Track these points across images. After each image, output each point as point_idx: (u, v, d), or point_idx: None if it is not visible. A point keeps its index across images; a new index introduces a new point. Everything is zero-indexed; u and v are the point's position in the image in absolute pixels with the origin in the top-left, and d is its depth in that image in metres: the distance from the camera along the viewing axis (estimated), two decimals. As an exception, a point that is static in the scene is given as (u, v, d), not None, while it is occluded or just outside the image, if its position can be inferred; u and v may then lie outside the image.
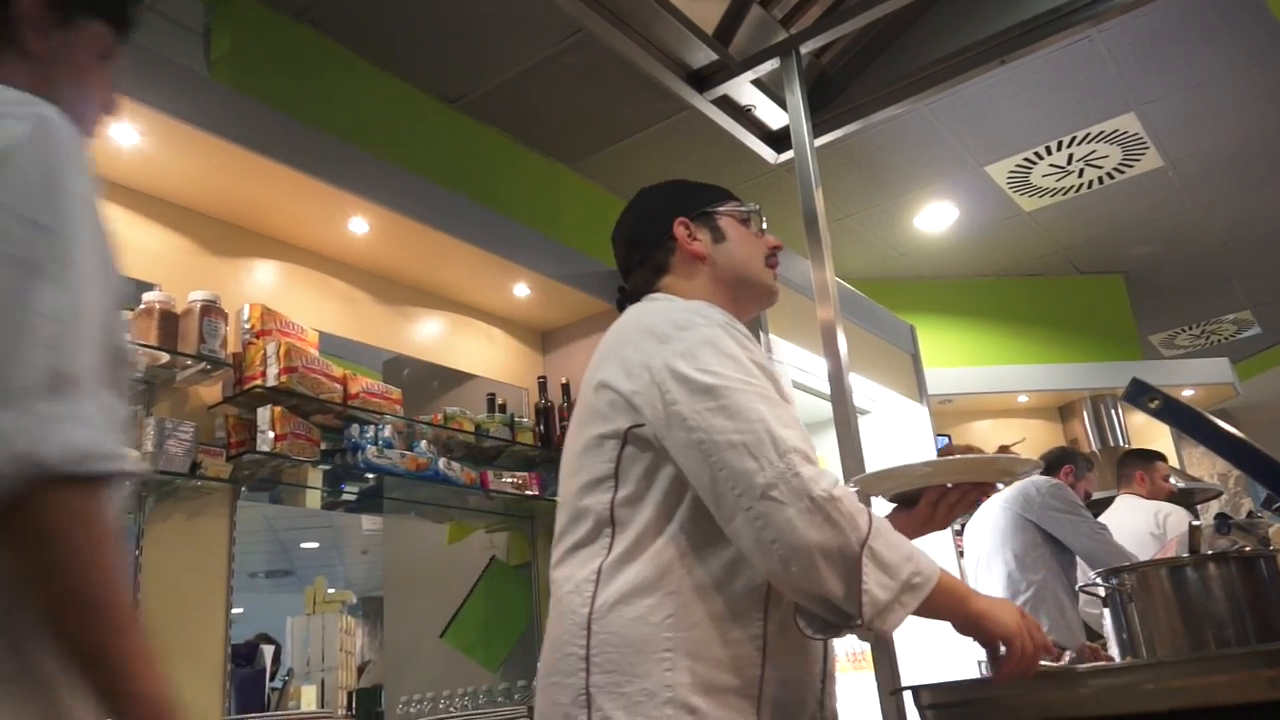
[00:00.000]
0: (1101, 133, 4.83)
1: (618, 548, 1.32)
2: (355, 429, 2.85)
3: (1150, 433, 6.02)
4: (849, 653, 3.84)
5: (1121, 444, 6.01)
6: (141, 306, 2.52)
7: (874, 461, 2.50)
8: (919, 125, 4.63)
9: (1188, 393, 6.28)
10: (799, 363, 3.63)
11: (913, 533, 1.52)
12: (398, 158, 3.30)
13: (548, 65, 3.89)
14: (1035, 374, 6.00)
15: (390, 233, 3.07)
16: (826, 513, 1.19)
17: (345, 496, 3.13)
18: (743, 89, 2.98)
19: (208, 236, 2.85)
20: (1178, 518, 4.17)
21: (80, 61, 1.16)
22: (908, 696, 1.57)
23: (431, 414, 3.18)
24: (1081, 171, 5.19)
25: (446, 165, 3.92)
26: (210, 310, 2.58)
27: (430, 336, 3.46)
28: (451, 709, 2.96)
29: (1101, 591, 1.75)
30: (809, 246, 2.64)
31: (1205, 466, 7.81)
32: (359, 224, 3.00)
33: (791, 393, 1.46)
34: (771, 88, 3.04)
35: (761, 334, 3.40)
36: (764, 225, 1.62)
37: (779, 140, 3.24)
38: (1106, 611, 1.76)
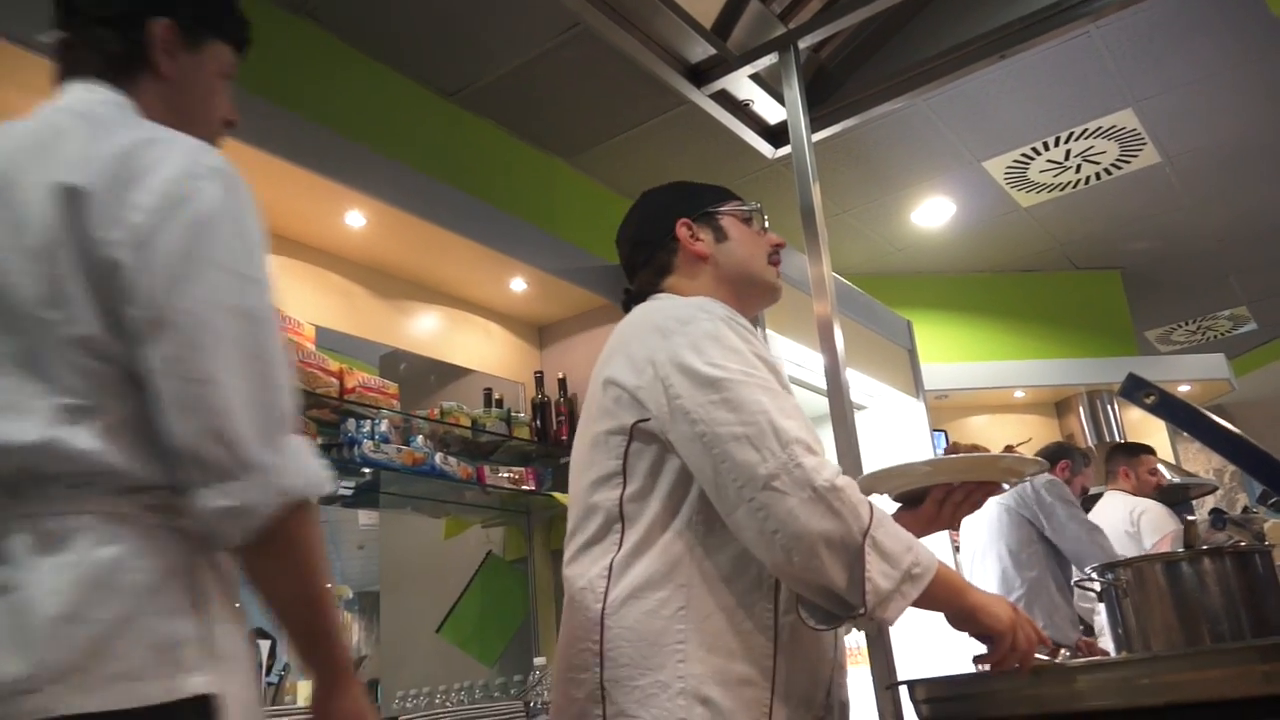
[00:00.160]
0: (1099, 128, 4.83)
1: (628, 543, 1.33)
2: (351, 424, 2.85)
3: (1146, 428, 6.03)
4: (845, 647, 3.84)
5: (1118, 439, 6.01)
6: (138, 300, 2.51)
7: (870, 457, 2.50)
8: (917, 120, 4.62)
9: (1184, 388, 6.29)
10: (795, 358, 3.63)
11: (918, 532, 1.53)
12: (395, 151, 3.29)
13: (545, 59, 3.88)
14: (1032, 369, 6.00)
15: (387, 227, 3.06)
16: (829, 503, 1.20)
17: (341, 491, 3.12)
18: (741, 84, 2.98)
19: (204, 230, 2.84)
20: (1152, 515, 4.10)
21: (205, 80, 1.25)
22: (903, 691, 1.57)
23: (428, 409, 3.18)
24: (1079, 167, 5.19)
25: (443, 159, 3.91)
26: (206, 304, 2.56)
27: (427, 331, 3.46)
28: (447, 704, 2.97)
29: (1097, 587, 1.75)
30: (806, 242, 2.64)
31: (1201, 462, 7.83)
32: (355, 218, 2.99)
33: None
34: (769, 83, 3.04)
35: (758, 329, 3.39)
36: (766, 224, 1.64)
37: (777, 135, 3.24)
38: (1100, 606, 1.76)
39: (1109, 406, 6.15)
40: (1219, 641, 1.54)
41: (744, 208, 1.63)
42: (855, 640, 3.32)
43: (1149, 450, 4.50)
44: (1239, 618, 1.56)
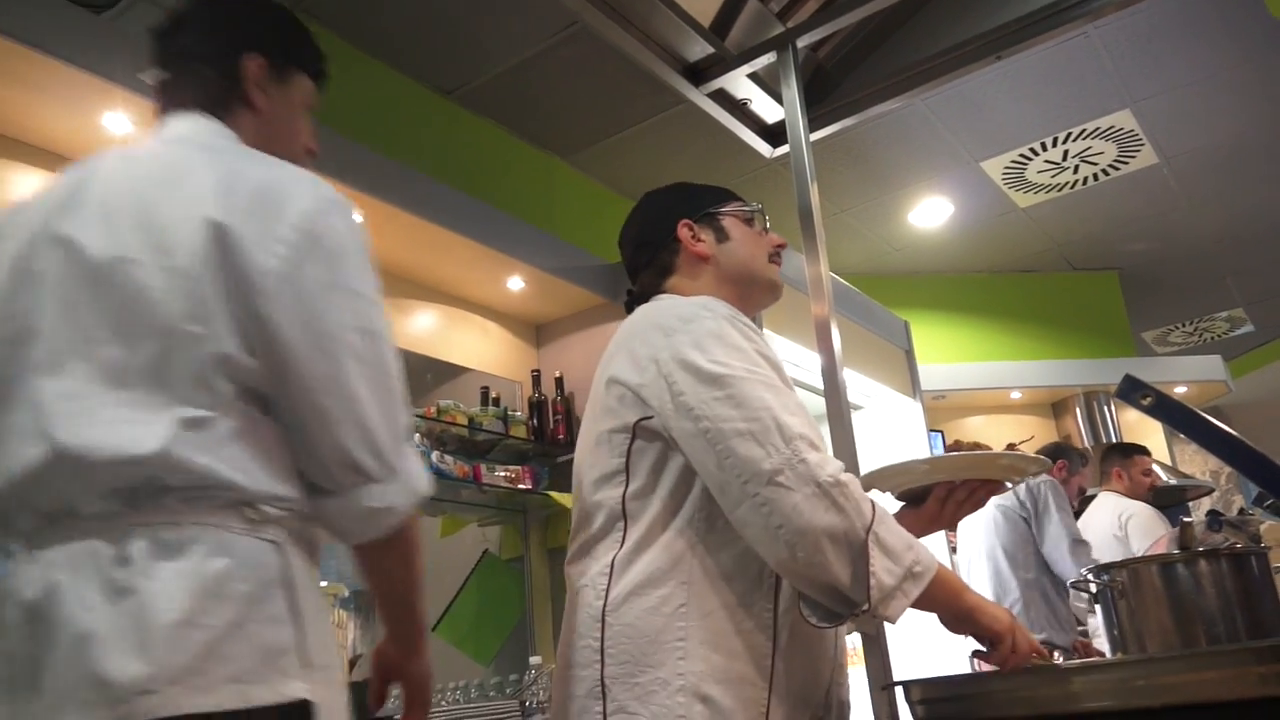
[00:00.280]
0: (1097, 129, 4.83)
1: (630, 540, 1.33)
2: (348, 421, 2.83)
3: (1143, 429, 6.03)
4: (846, 648, 3.85)
5: (1114, 441, 6.02)
6: (134, 297, 2.50)
7: (867, 457, 2.50)
8: (915, 121, 4.63)
9: (1180, 390, 6.29)
10: (792, 358, 3.62)
11: (920, 530, 1.53)
12: (392, 150, 3.29)
13: (543, 58, 3.87)
14: (1029, 370, 6.01)
15: (384, 225, 3.06)
16: (833, 498, 1.21)
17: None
18: (739, 83, 2.98)
19: (201, 227, 2.84)
20: (1140, 519, 4.08)
21: (291, 112, 1.39)
22: (899, 692, 1.57)
23: (424, 407, 3.17)
24: (1076, 168, 5.19)
25: (441, 157, 3.91)
26: (203, 301, 2.56)
27: (424, 329, 3.46)
28: (443, 702, 2.96)
29: (1093, 588, 1.76)
30: (804, 241, 2.64)
31: (1197, 463, 7.84)
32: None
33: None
34: (768, 82, 3.03)
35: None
36: (767, 224, 1.65)
37: (775, 135, 3.23)
38: (1097, 608, 1.76)
39: (1106, 408, 6.15)
40: (1215, 643, 1.54)
41: (745, 208, 1.64)
42: (852, 641, 3.32)
43: (1143, 451, 4.48)
44: (1235, 619, 1.56)
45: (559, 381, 3.60)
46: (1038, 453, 4.12)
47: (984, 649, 1.35)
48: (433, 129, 3.99)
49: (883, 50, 3.92)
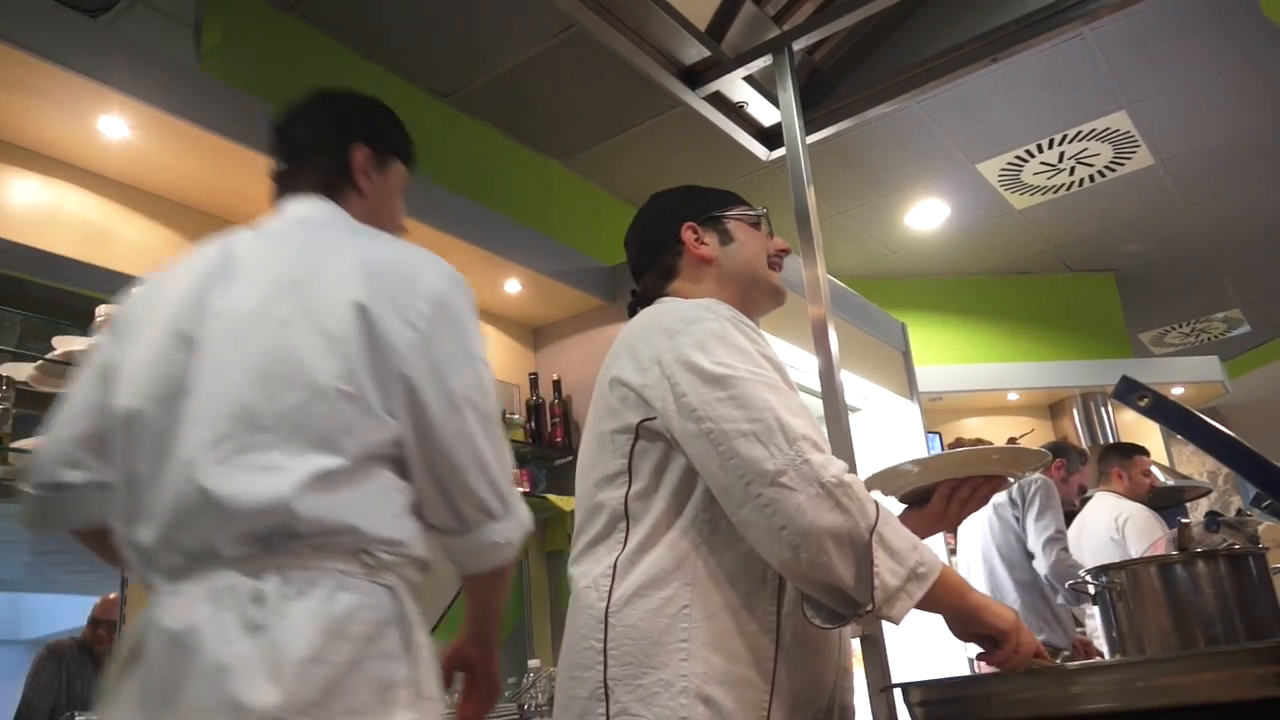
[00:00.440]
0: (1093, 131, 4.84)
1: (632, 541, 1.33)
2: (346, 425, 2.83)
3: (1140, 430, 6.04)
4: (850, 651, 3.84)
5: (1111, 442, 6.02)
6: (131, 301, 2.51)
7: (865, 459, 2.50)
8: (911, 123, 4.63)
9: (1177, 390, 6.30)
10: (790, 360, 3.62)
11: (925, 531, 1.53)
12: (389, 153, 3.29)
13: (540, 61, 3.88)
14: (1026, 372, 6.01)
15: (381, 228, 3.06)
16: (837, 498, 1.20)
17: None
18: (735, 86, 2.98)
19: (198, 230, 2.84)
20: (1137, 522, 4.04)
21: (391, 194, 1.57)
22: (897, 694, 1.57)
23: (422, 410, 3.17)
24: (1073, 169, 5.20)
25: (438, 160, 3.91)
26: (200, 305, 2.56)
27: (421, 332, 3.45)
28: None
29: (1091, 589, 1.75)
30: (800, 244, 2.64)
31: (1195, 464, 7.85)
32: (350, 219, 2.99)
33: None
34: (764, 84, 3.03)
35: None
36: (772, 229, 1.65)
37: (771, 137, 3.23)
38: (1096, 610, 1.76)
39: (1103, 409, 6.16)
40: (1213, 644, 1.54)
41: (750, 212, 1.64)
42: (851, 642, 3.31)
43: (1142, 451, 4.44)
44: (1233, 621, 1.56)
45: (556, 384, 3.60)
46: (1010, 441, 4.11)
47: (986, 649, 1.35)
48: (430, 132, 3.99)
49: (879, 53, 3.92)
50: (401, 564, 1.26)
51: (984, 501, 1.56)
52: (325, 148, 1.51)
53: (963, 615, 1.31)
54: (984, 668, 4.03)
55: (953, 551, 4.35)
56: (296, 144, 1.53)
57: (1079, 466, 4.29)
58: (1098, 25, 3.66)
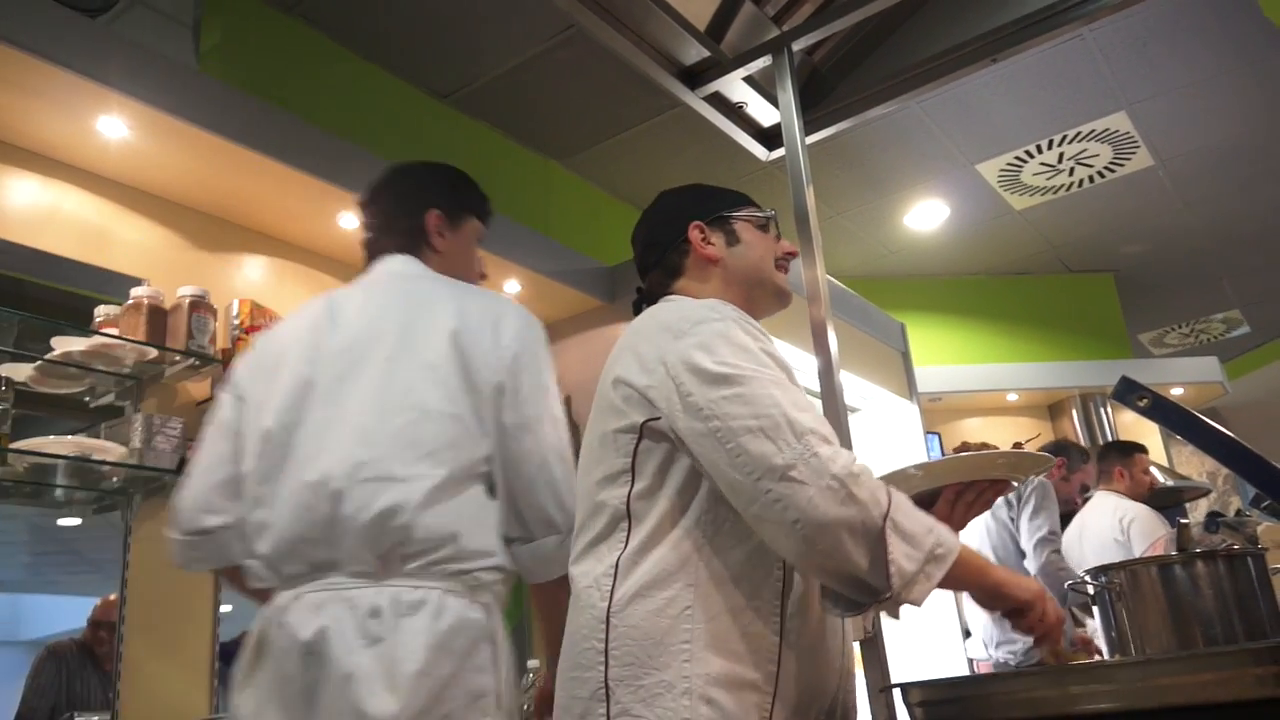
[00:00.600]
0: (1092, 131, 4.84)
1: (634, 541, 1.32)
2: (345, 425, 2.84)
3: (1139, 431, 6.03)
4: (853, 653, 3.84)
5: (1111, 440, 6.02)
6: (130, 301, 2.50)
7: (864, 459, 2.50)
8: (910, 123, 4.63)
9: (1177, 391, 6.30)
10: (790, 360, 3.61)
11: None
12: (389, 152, 3.28)
13: (540, 61, 3.88)
14: (1025, 372, 6.01)
15: (380, 228, 3.06)
16: (848, 489, 1.20)
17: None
18: (734, 86, 2.98)
19: (197, 231, 2.84)
20: (1141, 523, 4.00)
21: (465, 248, 1.79)
22: (897, 694, 1.57)
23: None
24: (1072, 170, 5.20)
25: (437, 160, 3.90)
26: (199, 305, 2.57)
27: (420, 333, 3.45)
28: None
29: (1090, 590, 1.75)
30: (800, 244, 2.64)
31: (1194, 465, 7.85)
32: (349, 219, 2.99)
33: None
34: (763, 85, 3.04)
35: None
36: (779, 232, 1.65)
37: (770, 137, 3.23)
38: (1096, 610, 1.76)
39: (1102, 409, 6.16)
40: (1212, 645, 1.54)
41: (759, 214, 1.64)
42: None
43: (1142, 449, 4.39)
44: (1232, 621, 1.56)
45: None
46: (1015, 445, 4.11)
47: (1015, 623, 1.35)
48: (429, 132, 3.99)
49: (878, 53, 3.92)
50: (495, 581, 1.47)
51: (988, 505, 1.56)
52: (402, 214, 1.75)
53: (987, 591, 1.31)
54: (982, 668, 4.04)
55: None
56: (379, 213, 1.78)
57: (1080, 465, 4.27)
58: (1097, 26, 3.65)
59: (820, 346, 2.54)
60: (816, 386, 2.62)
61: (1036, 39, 2.77)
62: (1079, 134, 4.86)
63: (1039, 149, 4.97)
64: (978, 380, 5.89)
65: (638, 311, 1.59)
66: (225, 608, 2.61)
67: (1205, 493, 5.53)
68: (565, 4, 2.57)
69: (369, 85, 3.80)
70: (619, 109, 4.23)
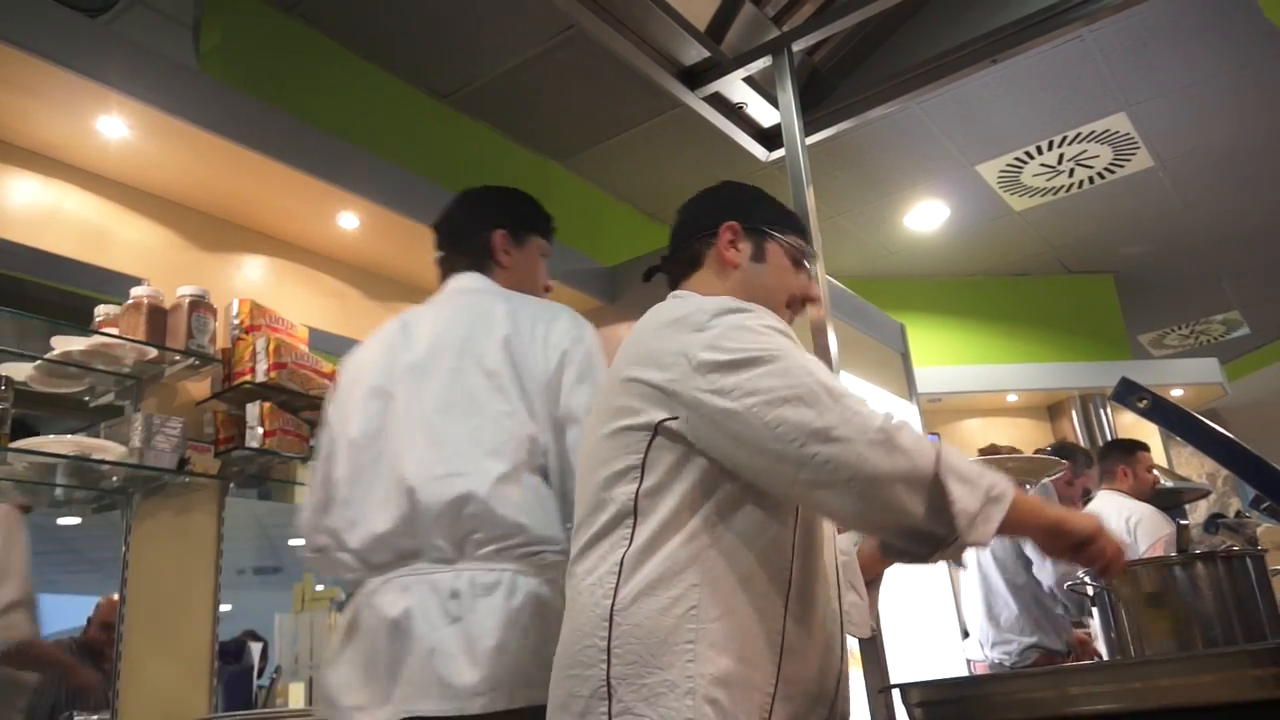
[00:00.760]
0: (1092, 132, 4.84)
1: (639, 539, 1.31)
2: (344, 425, 2.84)
3: (1139, 432, 6.02)
4: (849, 654, 3.84)
5: (1112, 439, 6.01)
6: (129, 301, 2.50)
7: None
8: (910, 124, 4.63)
9: (1176, 392, 6.30)
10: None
11: None
12: (388, 153, 3.29)
13: (539, 61, 3.88)
14: (1025, 373, 6.01)
15: (380, 228, 3.06)
16: (895, 441, 1.20)
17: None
18: (734, 86, 2.98)
19: (196, 231, 2.84)
20: (1148, 523, 3.95)
21: (530, 263, 1.92)
22: (896, 695, 1.57)
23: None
24: (1072, 171, 5.20)
25: (437, 161, 3.91)
26: (199, 305, 2.57)
27: (420, 333, 3.45)
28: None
29: (1090, 590, 1.76)
30: (800, 244, 2.64)
31: (1194, 466, 7.85)
32: (349, 219, 2.99)
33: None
34: (763, 85, 3.04)
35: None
36: (812, 272, 1.63)
37: (770, 138, 3.23)
38: (1095, 610, 1.76)
39: (1102, 410, 6.16)
40: (1211, 646, 1.54)
41: (798, 244, 1.61)
42: (849, 644, 3.32)
43: (1145, 447, 4.33)
44: (1231, 622, 1.56)
45: (555, 385, 3.59)
46: (1037, 452, 4.10)
47: (1079, 562, 1.34)
48: (429, 132, 3.99)
49: (878, 54, 3.93)
50: (561, 561, 1.54)
51: None
52: (471, 235, 1.89)
53: (1045, 530, 1.31)
54: (979, 668, 4.04)
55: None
56: (449, 234, 1.93)
57: (1084, 469, 4.25)
58: (1097, 27, 3.65)
59: (820, 347, 2.54)
60: (816, 387, 2.62)
61: (1036, 40, 2.77)
62: (1079, 135, 4.86)
63: (1039, 150, 4.97)
64: (977, 381, 5.88)
65: (649, 278, 1.64)
66: (225, 607, 2.61)
67: (1205, 494, 5.52)
68: (565, 4, 2.57)
69: (369, 85, 3.80)
70: (619, 109, 4.23)
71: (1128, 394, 1.64)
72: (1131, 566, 1.70)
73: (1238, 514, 2.37)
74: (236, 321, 2.73)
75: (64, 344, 2.35)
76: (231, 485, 2.70)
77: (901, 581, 2.34)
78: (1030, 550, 3.81)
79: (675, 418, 1.32)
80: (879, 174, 5.08)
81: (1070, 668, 1.49)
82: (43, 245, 2.47)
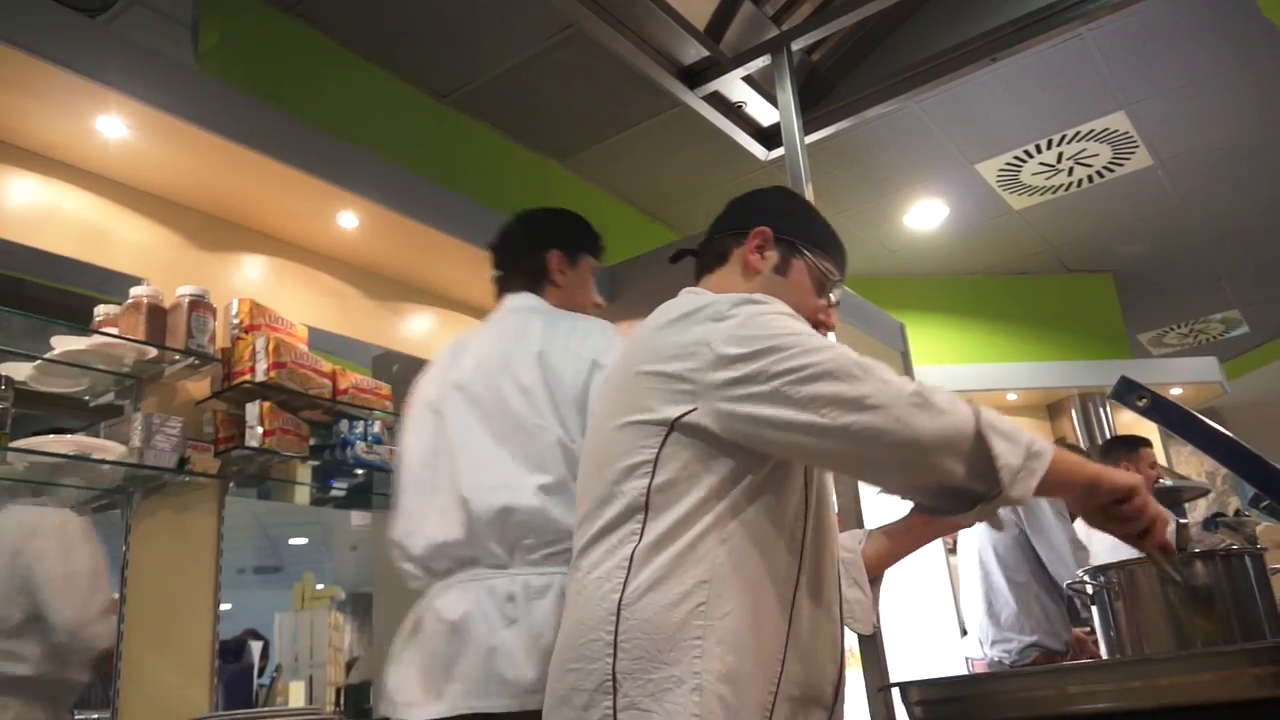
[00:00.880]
0: (1091, 131, 4.84)
1: (650, 534, 1.31)
2: (344, 424, 2.84)
3: (1138, 431, 6.00)
4: (845, 653, 3.84)
5: (1113, 436, 6.01)
6: (129, 301, 2.50)
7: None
8: (910, 123, 4.63)
9: (1176, 391, 6.30)
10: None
11: (935, 532, 1.55)
12: (388, 152, 3.29)
13: (539, 61, 3.88)
14: (1024, 372, 6.01)
15: (380, 228, 3.06)
16: (933, 403, 1.21)
17: (334, 492, 3.12)
18: (734, 85, 2.98)
19: (196, 230, 2.84)
20: None
21: (582, 282, 2.00)
22: (895, 693, 1.57)
23: (421, 410, 3.18)
24: (1071, 170, 5.20)
25: (437, 160, 3.91)
26: (198, 305, 2.57)
27: (419, 331, 3.46)
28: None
29: (1089, 589, 1.76)
30: (799, 244, 2.64)
31: (1193, 465, 7.85)
32: (348, 219, 2.99)
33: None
34: (763, 84, 3.04)
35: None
36: (834, 299, 1.61)
37: (770, 137, 3.24)
38: (1094, 609, 1.76)
39: (1101, 409, 6.16)
40: (1210, 644, 1.54)
41: (825, 266, 1.60)
42: (849, 642, 3.32)
43: (1147, 444, 4.31)
44: (1230, 621, 1.56)
45: (555, 384, 3.60)
46: None
47: (1120, 525, 1.34)
48: (428, 132, 3.99)
49: (877, 53, 3.93)
50: None
51: None
52: (526, 256, 1.97)
53: (1086, 486, 1.31)
54: (978, 666, 4.04)
55: (951, 551, 4.34)
56: (506, 254, 2.01)
57: (1086, 468, 4.23)
58: (1096, 26, 3.66)
59: (819, 346, 2.54)
60: (816, 386, 2.63)
61: (1036, 39, 2.77)
62: (1078, 134, 4.86)
63: (1038, 149, 4.97)
64: (977, 380, 5.88)
65: (676, 260, 1.67)
66: (225, 606, 2.61)
67: (1204, 493, 5.53)
68: (565, 4, 2.57)
69: (369, 85, 3.80)
70: (619, 109, 4.23)
71: (1127, 392, 1.64)
72: (1131, 566, 1.70)
73: (1237, 512, 2.37)
74: (236, 321, 2.73)
75: (64, 344, 2.35)
76: (231, 484, 2.70)
77: (901, 580, 2.34)
78: (1050, 555, 3.79)
79: (694, 410, 1.31)
80: (878, 173, 5.08)
81: (1070, 666, 1.49)
82: (42, 245, 2.47)
